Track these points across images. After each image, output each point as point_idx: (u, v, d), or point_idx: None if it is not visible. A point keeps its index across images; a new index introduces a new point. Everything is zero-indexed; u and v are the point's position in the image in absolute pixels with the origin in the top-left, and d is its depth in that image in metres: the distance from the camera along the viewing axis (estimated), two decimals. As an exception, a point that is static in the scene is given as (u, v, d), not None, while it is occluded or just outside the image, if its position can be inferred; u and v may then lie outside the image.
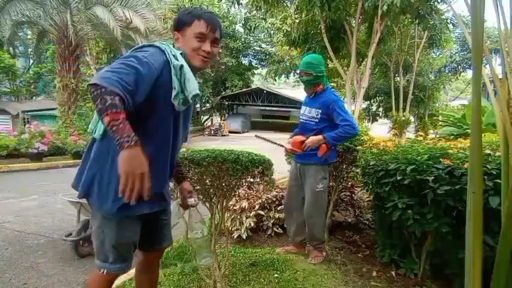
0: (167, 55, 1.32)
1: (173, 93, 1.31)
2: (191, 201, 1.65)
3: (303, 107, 2.87)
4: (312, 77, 2.69)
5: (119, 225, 1.38)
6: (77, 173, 1.44)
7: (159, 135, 1.39)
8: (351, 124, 2.61)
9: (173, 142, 1.46)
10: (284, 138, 4.10)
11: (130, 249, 1.46)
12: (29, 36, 16.33)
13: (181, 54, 1.39)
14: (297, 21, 8.56)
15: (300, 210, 2.87)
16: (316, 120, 2.71)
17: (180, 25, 1.43)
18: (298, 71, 3.00)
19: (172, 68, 1.30)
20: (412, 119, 16.68)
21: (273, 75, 24.46)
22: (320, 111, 2.69)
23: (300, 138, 2.69)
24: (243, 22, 23.25)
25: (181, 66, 1.31)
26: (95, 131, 1.38)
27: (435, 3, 7.91)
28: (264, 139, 2.81)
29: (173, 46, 1.44)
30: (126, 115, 1.14)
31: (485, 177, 1.80)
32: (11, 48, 12.85)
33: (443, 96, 21.28)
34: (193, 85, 1.34)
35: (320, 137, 2.61)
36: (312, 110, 2.75)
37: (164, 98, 1.32)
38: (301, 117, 2.89)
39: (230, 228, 3.32)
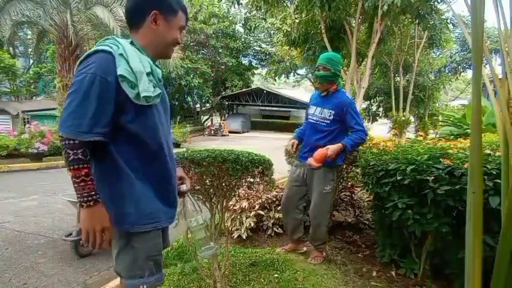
0: (116, 58, 1.20)
1: (132, 96, 1.22)
2: (183, 187, 1.57)
3: (313, 107, 2.80)
4: (330, 73, 2.66)
5: (148, 235, 1.32)
6: None
7: (157, 142, 1.32)
8: (364, 130, 2.65)
9: (168, 140, 1.39)
10: (284, 138, 4.09)
11: (162, 256, 1.43)
12: (29, 36, 16.31)
13: (131, 43, 1.29)
14: (297, 21, 8.55)
15: (297, 209, 2.88)
16: (328, 121, 2.68)
17: (167, 8, 1.32)
18: (316, 66, 2.93)
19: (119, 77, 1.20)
20: (412, 119, 16.67)
21: (273, 75, 24.46)
22: (333, 112, 2.66)
23: (324, 152, 2.58)
24: (243, 22, 23.23)
25: (121, 75, 1.20)
26: None
27: (435, 3, 7.90)
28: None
29: (138, 23, 1.31)
30: (89, 169, 1.18)
31: (485, 177, 1.80)
32: (11, 48, 12.85)
33: (443, 96, 21.29)
34: (143, 85, 1.23)
35: (339, 145, 2.58)
36: (324, 111, 2.71)
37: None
38: (310, 117, 2.81)
39: (230, 228, 3.31)
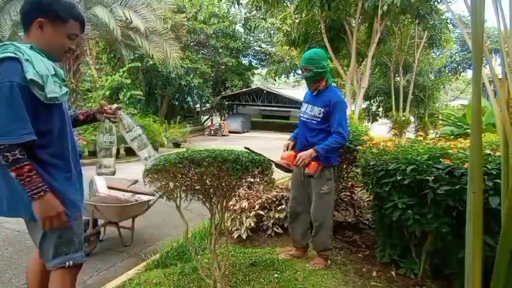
0: (23, 63, 1.30)
1: (42, 98, 1.33)
2: (112, 106, 1.78)
3: (305, 105, 2.77)
4: (312, 73, 2.59)
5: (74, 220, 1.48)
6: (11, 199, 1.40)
7: (66, 138, 1.48)
8: (343, 133, 2.53)
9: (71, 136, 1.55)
10: (284, 138, 4.09)
11: (83, 236, 1.63)
12: (29, 36, 16.32)
13: (30, 48, 1.37)
14: (297, 21, 8.57)
15: (306, 213, 2.78)
16: (319, 119, 2.63)
17: (52, 15, 1.41)
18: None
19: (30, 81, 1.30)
20: (412, 119, 16.70)
21: (273, 75, 24.45)
22: (323, 110, 2.60)
23: (292, 154, 2.56)
24: (243, 22, 23.22)
25: (31, 80, 1.30)
26: None
27: (435, 3, 7.91)
28: (254, 152, 2.56)
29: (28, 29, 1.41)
30: (31, 165, 1.28)
31: (485, 177, 1.80)
32: (11, 48, 12.85)
33: (443, 96, 21.32)
34: (49, 87, 1.34)
35: (311, 150, 2.49)
36: (314, 108, 2.66)
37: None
38: (302, 115, 2.78)
39: (230, 228, 3.31)
